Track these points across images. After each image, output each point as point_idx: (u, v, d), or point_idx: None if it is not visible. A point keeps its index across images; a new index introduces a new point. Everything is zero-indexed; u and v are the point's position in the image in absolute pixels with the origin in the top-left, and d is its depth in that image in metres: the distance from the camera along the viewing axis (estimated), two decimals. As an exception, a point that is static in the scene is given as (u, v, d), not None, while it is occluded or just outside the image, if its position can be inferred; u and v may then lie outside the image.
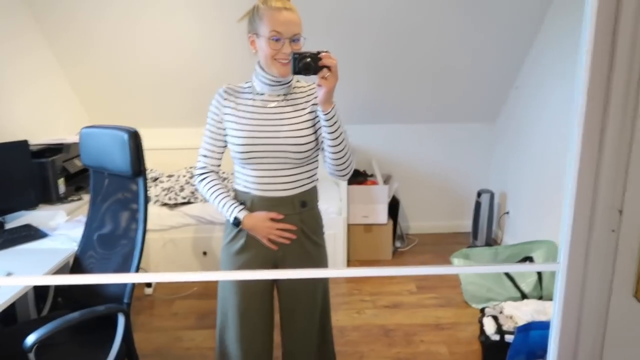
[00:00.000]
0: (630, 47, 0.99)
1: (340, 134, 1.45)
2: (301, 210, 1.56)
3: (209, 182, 1.58)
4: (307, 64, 1.33)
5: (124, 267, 1.95)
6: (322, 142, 1.51)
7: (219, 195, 1.57)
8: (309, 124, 1.52)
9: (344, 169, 1.53)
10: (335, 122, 1.42)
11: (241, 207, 1.54)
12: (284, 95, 1.54)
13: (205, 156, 1.59)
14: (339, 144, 1.46)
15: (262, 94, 1.53)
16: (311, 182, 1.59)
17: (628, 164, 1.06)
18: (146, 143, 3.47)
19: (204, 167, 1.60)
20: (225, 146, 1.58)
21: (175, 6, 3.06)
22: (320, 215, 1.67)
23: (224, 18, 3.07)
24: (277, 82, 1.51)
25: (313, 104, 1.53)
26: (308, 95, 1.56)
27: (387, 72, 3.51)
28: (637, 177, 1.05)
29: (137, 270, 1.92)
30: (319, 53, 1.33)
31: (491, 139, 4.05)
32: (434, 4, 3.06)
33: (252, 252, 1.58)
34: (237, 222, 1.53)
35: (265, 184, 1.52)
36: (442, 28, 3.20)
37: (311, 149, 1.52)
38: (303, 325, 1.67)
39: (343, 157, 1.49)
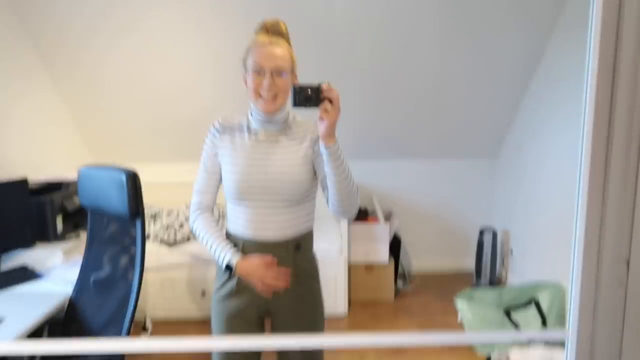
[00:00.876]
0: (631, 95, 0.98)
1: (345, 169, 1.38)
2: (295, 254, 1.50)
3: (201, 223, 1.52)
4: (308, 96, 1.29)
5: (119, 313, 1.90)
6: (322, 180, 1.46)
7: (211, 238, 1.50)
8: (306, 160, 1.47)
9: (348, 207, 1.44)
10: (339, 157, 1.36)
11: (233, 251, 1.48)
12: (279, 132, 1.50)
13: (199, 192, 1.54)
14: (344, 180, 1.39)
15: (256, 131, 1.50)
16: (307, 223, 1.53)
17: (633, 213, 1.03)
18: (146, 178, 3.47)
19: (198, 204, 1.55)
20: (221, 182, 1.54)
21: (174, 46, 3.11)
22: (315, 260, 1.60)
23: (219, 56, 3.12)
24: (270, 119, 1.48)
25: (311, 141, 1.49)
26: (305, 131, 1.51)
27: (386, 107, 3.52)
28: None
29: (133, 314, 1.87)
30: (320, 85, 1.30)
31: (493, 176, 4.03)
32: (433, 40, 3.09)
33: (242, 297, 1.52)
34: (229, 268, 1.47)
35: (258, 225, 1.47)
36: (442, 62, 3.22)
37: (307, 188, 1.47)
38: None
39: (348, 194, 1.41)
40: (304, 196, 1.48)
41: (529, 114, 3.46)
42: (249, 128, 1.50)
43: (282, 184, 1.43)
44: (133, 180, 1.86)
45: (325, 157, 1.36)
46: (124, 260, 1.96)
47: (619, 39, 0.97)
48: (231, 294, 1.52)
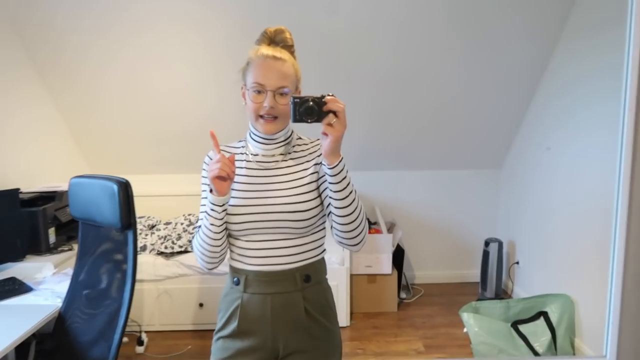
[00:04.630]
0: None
1: (350, 192, 1.21)
2: (304, 285, 1.31)
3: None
4: (310, 108, 1.15)
5: (109, 326, 1.82)
6: (328, 204, 1.28)
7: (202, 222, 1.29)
8: (313, 186, 1.30)
9: (354, 237, 1.26)
10: (343, 178, 1.19)
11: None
12: (283, 155, 1.34)
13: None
14: (349, 205, 1.22)
15: (256, 155, 1.34)
16: (317, 253, 1.35)
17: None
18: (145, 189, 3.40)
19: None
20: None
21: (173, 57, 3.06)
22: (329, 291, 1.39)
23: (219, 67, 3.05)
24: (271, 140, 1.32)
25: (316, 164, 1.32)
26: (311, 154, 1.35)
27: (388, 117, 3.46)
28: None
29: (123, 329, 1.80)
30: (323, 97, 1.15)
31: (497, 186, 3.95)
32: (437, 49, 3.04)
33: (247, 339, 1.31)
34: (218, 202, 1.23)
35: (262, 257, 1.29)
36: (445, 72, 3.17)
37: (315, 216, 1.29)
38: None
39: (354, 221, 1.24)
40: (312, 225, 1.30)
41: (533, 124, 3.39)
42: (247, 152, 1.35)
43: (287, 214, 1.26)
44: (125, 190, 1.79)
45: (328, 177, 1.20)
46: (115, 273, 1.88)
47: None
48: (234, 335, 1.32)
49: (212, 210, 1.23)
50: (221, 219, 1.25)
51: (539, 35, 2.97)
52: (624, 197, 0.85)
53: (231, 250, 1.35)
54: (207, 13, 2.85)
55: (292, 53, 1.31)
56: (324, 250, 1.38)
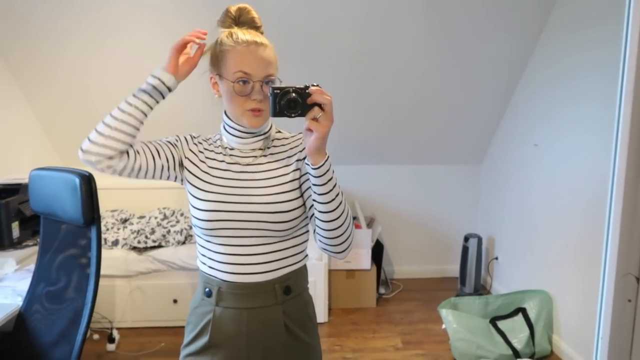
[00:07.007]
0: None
1: (337, 194, 1.09)
2: (284, 298, 1.19)
3: None
4: (292, 100, 1.02)
5: (72, 327, 1.73)
6: (311, 206, 1.16)
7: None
8: (295, 184, 1.18)
9: (339, 244, 1.13)
10: (329, 179, 1.07)
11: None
12: (261, 149, 1.22)
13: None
14: (335, 209, 1.09)
15: (232, 149, 1.22)
16: (298, 260, 1.22)
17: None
18: (118, 181, 3.28)
19: None
20: (157, 169, 1.22)
21: (139, 48, 2.96)
22: (310, 303, 1.28)
23: None
24: (249, 133, 1.20)
25: (298, 160, 1.20)
26: (292, 149, 1.23)
27: (368, 110, 3.40)
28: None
29: (86, 330, 1.71)
30: (307, 87, 1.02)
31: (477, 182, 3.93)
32: (417, 43, 2.98)
33: (218, 356, 1.18)
34: (162, 76, 1.19)
35: (237, 264, 1.16)
36: (427, 67, 3.13)
37: (297, 217, 1.17)
38: None
39: (339, 227, 1.11)
40: (294, 228, 1.18)
41: (515, 120, 3.36)
42: (222, 147, 1.23)
43: (267, 215, 1.14)
44: (87, 184, 1.69)
45: (312, 178, 1.08)
46: (78, 270, 1.79)
47: None
48: (203, 351, 1.20)
49: (147, 83, 1.17)
50: (146, 103, 1.20)
51: (519, 32, 2.94)
52: (617, 196, 0.81)
53: (200, 255, 1.22)
54: (174, 9, 2.78)
55: (261, 34, 1.18)
56: (306, 256, 1.26)
